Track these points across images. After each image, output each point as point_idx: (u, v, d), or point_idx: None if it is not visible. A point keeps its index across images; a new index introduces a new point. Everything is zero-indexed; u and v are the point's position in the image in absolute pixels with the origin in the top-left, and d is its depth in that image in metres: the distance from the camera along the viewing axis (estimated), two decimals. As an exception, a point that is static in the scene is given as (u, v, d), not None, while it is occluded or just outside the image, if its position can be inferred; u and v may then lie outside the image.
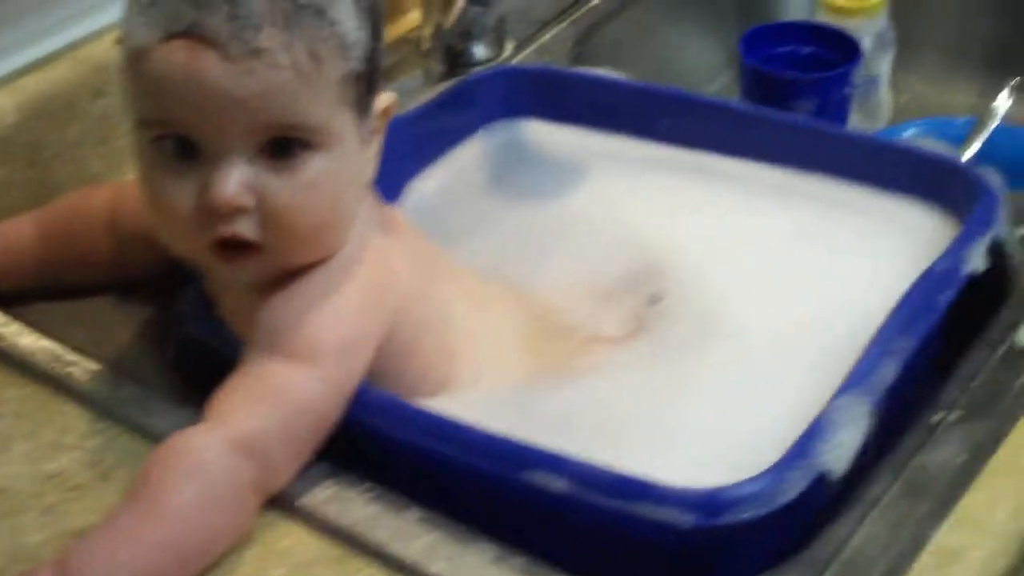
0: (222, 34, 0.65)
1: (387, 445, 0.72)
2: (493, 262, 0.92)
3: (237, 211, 0.68)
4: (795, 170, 0.93)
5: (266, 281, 0.72)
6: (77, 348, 0.83)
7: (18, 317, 0.85)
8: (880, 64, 1.20)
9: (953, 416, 0.74)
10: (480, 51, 1.10)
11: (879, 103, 1.22)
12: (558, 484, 0.67)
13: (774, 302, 0.85)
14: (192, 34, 0.65)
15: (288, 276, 0.73)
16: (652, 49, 1.22)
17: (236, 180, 0.67)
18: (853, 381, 0.70)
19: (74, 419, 0.79)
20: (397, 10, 1.13)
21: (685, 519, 0.64)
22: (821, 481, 0.67)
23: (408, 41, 1.13)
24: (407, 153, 0.96)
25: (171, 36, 0.66)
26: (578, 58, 1.13)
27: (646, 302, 0.88)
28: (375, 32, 0.72)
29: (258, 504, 0.69)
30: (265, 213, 0.69)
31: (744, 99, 1.10)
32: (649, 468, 0.69)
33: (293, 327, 0.70)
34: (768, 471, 0.66)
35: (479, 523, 0.69)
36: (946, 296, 0.75)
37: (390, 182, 0.94)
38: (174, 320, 0.83)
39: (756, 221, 0.92)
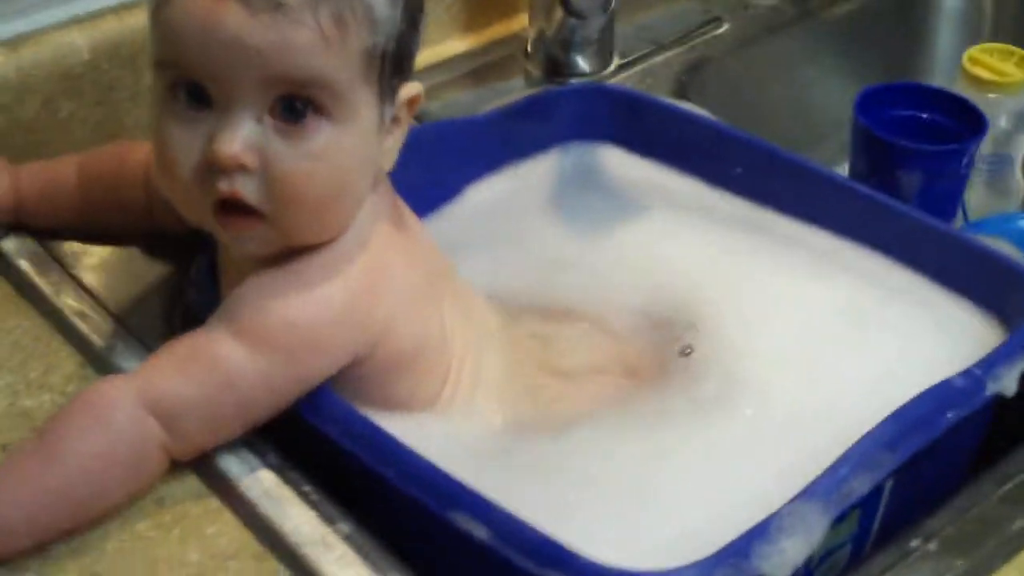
0: None
1: (336, 453, 0.70)
2: (525, 282, 0.89)
3: (239, 168, 0.66)
4: (858, 243, 0.88)
5: (264, 259, 0.71)
6: (93, 293, 0.84)
7: (50, 251, 0.87)
8: (1017, 144, 1.13)
9: (932, 545, 0.68)
10: (582, 63, 1.07)
11: (1012, 185, 1.14)
12: (479, 531, 0.64)
13: (801, 378, 0.81)
14: None
15: (283, 258, 0.71)
16: (771, 91, 1.17)
17: (242, 135, 0.66)
18: (815, 489, 0.65)
19: (64, 360, 0.79)
20: (510, 7, 1.10)
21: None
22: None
23: (518, 40, 1.10)
24: (474, 155, 0.95)
25: None
26: (682, 87, 1.08)
27: (676, 351, 0.85)
28: (410, 17, 0.70)
29: (163, 465, 0.69)
30: (269, 178, 0.67)
31: (852, 160, 1.05)
32: (611, 534, 0.68)
33: (257, 308, 0.69)
34: (696, 564, 0.62)
35: (409, 544, 0.67)
36: (954, 415, 0.70)
37: (450, 180, 0.94)
38: (183, 285, 0.83)
39: (805, 289, 0.87)
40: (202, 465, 0.72)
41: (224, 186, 0.67)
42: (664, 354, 0.85)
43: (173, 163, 0.68)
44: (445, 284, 0.79)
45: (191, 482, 0.72)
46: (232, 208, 0.68)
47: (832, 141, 1.17)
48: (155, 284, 0.86)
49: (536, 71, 1.08)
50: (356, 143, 0.69)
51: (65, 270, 0.86)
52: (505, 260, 0.91)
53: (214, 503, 0.71)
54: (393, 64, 0.70)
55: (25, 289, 0.84)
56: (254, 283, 0.70)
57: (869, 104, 1.05)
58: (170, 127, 0.68)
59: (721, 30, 1.15)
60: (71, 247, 0.87)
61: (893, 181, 1.01)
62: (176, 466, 0.72)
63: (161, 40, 0.68)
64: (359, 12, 0.66)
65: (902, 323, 0.83)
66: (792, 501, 0.64)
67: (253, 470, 0.72)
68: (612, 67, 1.09)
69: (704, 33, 1.14)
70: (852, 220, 0.88)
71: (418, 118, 1.00)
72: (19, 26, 0.92)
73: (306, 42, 0.65)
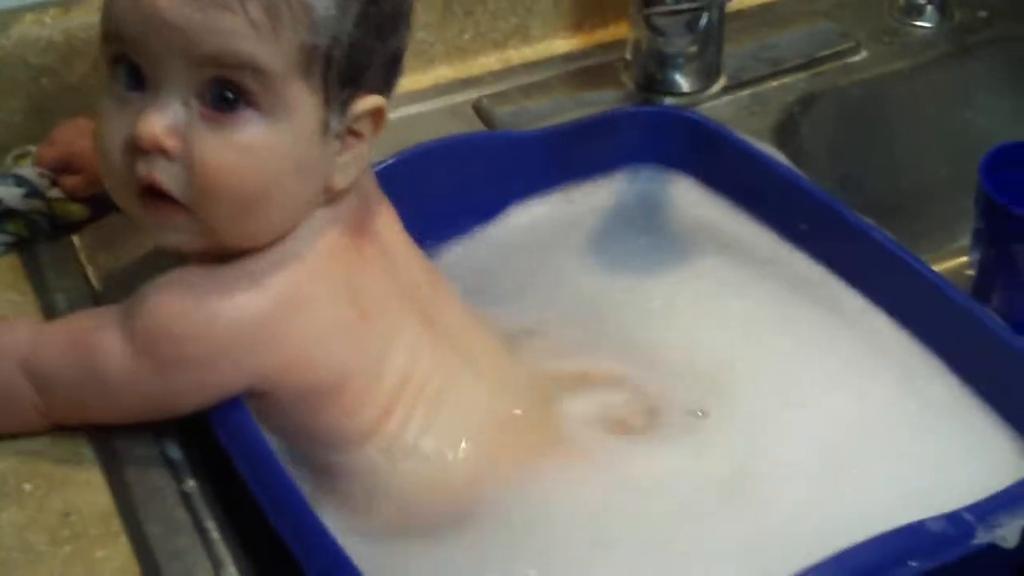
0: None
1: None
2: (550, 319, 0.83)
3: (159, 151, 0.64)
4: (911, 333, 0.77)
5: (191, 255, 0.69)
6: (94, 260, 0.83)
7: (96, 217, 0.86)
8: None
9: None
10: (679, 80, 0.98)
11: None
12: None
13: (811, 474, 0.72)
14: None
15: (209, 259, 0.68)
16: (902, 132, 1.04)
17: (166, 118, 0.64)
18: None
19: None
20: (624, 10, 1.01)
21: None
22: None
23: (622, 48, 1.02)
24: (523, 174, 0.88)
25: None
26: (792, 120, 0.98)
27: (684, 411, 0.77)
28: (371, 28, 0.67)
29: (39, 422, 0.70)
30: (190, 166, 0.64)
31: (976, 226, 0.92)
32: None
33: (151, 312, 0.67)
34: None
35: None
36: (921, 564, 0.59)
37: (491, 198, 0.87)
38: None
39: (844, 373, 0.78)
40: (118, 484, 0.69)
41: (142, 169, 0.65)
42: (675, 412, 0.77)
43: (103, 143, 0.67)
44: (416, 310, 0.73)
45: (103, 500, 0.69)
46: (156, 195, 0.66)
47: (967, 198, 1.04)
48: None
49: (631, 84, 0.99)
50: (290, 143, 0.66)
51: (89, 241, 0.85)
52: (535, 292, 0.85)
53: (115, 525, 0.68)
54: (342, 70, 0.66)
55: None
56: (164, 281, 0.68)
57: (1002, 163, 0.92)
58: (106, 107, 0.67)
59: (856, 58, 1.03)
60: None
61: (1008, 257, 0.89)
62: (94, 482, 0.69)
63: (105, 13, 0.66)
64: (295, 7, 0.64)
65: (939, 435, 0.73)
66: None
67: (164, 500, 0.68)
68: (715, 89, 0.99)
69: (834, 59, 1.03)
70: (911, 306, 0.78)
71: (485, 120, 0.95)
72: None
73: (232, 26, 0.63)
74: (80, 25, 0.90)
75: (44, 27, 0.90)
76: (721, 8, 0.95)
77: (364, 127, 0.69)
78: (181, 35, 0.63)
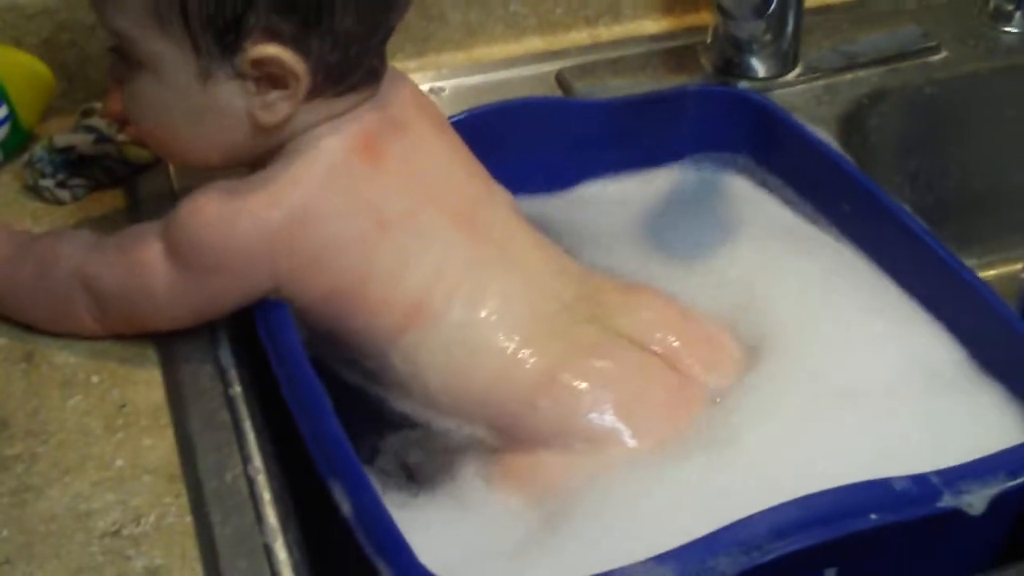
0: None
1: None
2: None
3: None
4: (935, 315, 0.80)
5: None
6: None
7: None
8: None
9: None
10: (756, 65, 1.02)
11: None
12: (345, 507, 0.65)
13: (806, 454, 0.75)
14: None
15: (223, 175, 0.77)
16: (971, 136, 1.06)
17: (112, 70, 0.77)
18: (673, 554, 0.61)
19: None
20: None
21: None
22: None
23: (705, 33, 1.06)
24: (594, 139, 0.93)
25: None
26: (860, 111, 1.01)
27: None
28: None
29: (93, 326, 0.78)
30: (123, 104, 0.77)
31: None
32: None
33: (182, 223, 0.74)
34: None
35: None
36: (881, 518, 0.63)
37: (567, 167, 0.94)
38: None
39: (871, 348, 0.80)
40: (172, 383, 0.77)
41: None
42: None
43: None
44: (453, 216, 0.78)
45: (157, 397, 0.76)
46: None
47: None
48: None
49: (709, 67, 1.03)
50: (163, 87, 0.74)
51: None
52: (595, 249, 0.89)
53: (164, 419, 0.75)
54: (205, 21, 0.71)
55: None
56: (194, 197, 0.75)
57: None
58: None
59: (936, 57, 1.06)
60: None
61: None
62: (151, 381, 0.77)
63: None
64: None
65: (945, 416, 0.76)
66: (646, 561, 0.61)
67: (210, 401, 0.75)
68: (790, 76, 1.03)
69: (912, 58, 1.05)
70: (935, 291, 0.81)
71: (565, 90, 1.00)
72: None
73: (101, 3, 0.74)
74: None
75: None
76: (796, -3, 0.99)
77: (277, 71, 0.73)
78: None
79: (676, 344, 0.80)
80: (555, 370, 0.76)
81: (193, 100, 0.74)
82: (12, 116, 0.92)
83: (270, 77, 0.73)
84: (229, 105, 0.74)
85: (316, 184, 0.75)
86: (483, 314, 0.77)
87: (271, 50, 0.72)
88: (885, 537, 0.65)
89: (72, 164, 0.92)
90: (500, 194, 0.83)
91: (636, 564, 0.61)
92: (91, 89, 0.98)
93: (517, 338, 0.77)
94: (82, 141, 0.93)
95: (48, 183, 0.91)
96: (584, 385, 0.76)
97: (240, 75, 0.73)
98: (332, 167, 0.75)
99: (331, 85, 0.75)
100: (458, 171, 0.81)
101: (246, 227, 0.74)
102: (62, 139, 0.93)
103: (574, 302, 0.80)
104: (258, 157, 0.76)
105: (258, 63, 0.72)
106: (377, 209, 0.76)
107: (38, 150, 0.93)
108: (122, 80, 0.76)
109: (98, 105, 0.95)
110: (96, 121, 0.94)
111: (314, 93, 0.74)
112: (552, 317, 0.79)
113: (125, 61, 0.75)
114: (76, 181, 0.92)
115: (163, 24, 0.72)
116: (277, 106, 0.74)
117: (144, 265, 0.75)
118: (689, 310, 0.83)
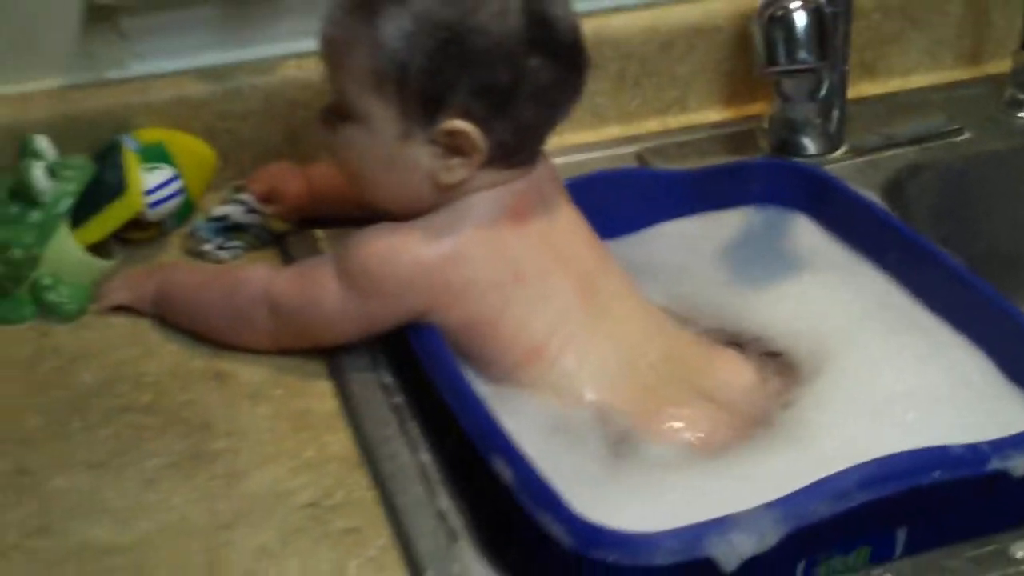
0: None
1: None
2: (681, 300, 1.04)
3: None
4: (969, 338, 0.96)
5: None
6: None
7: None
8: None
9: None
10: (808, 144, 1.19)
11: None
12: (506, 474, 0.80)
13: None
14: None
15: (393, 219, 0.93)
16: (999, 201, 1.23)
17: (323, 115, 0.94)
18: (777, 503, 0.76)
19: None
20: (768, 90, 1.23)
21: (565, 540, 0.75)
22: (704, 566, 0.74)
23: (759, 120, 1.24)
24: (675, 199, 1.10)
25: None
26: (899, 184, 1.17)
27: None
28: (440, 58, 0.88)
29: (268, 340, 0.95)
30: (330, 147, 0.96)
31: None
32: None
33: (353, 253, 0.91)
34: (655, 532, 0.74)
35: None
36: (942, 475, 0.78)
37: (645, 215, 1.10)
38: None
39: (916, 365, 0.95)
40: (343, 395, 0.92)
41: None
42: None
43: None
44: (574, 279, 0.94)
45: (331, 405, 0.92)
46: None
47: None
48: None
49: (767, 147, 1.20)
50: (369, 141, 0.91)
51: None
52: (669, 283, 1.05)
53: (340, 422, 0.90)
54: (414, 91, 0.88)
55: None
56: (365, 233, 0.92)
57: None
58: None
59: (961, 138, 1.23)
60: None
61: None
62: (325, 393, 0.93)
63: None
64: (366, 40, 0.88)
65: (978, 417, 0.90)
66: (754, 508, 0.76)
67: (378, 408, 0.91)
68: (838, 153, 1.20)
69: (940, 138, 1.22)
70: (973, 318, 0.96)
71: (641, 163, 1.18)
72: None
73: (330, 53, 0.92)
74: (330, 71, 1.15)
75: (302, 71, 1.15)
76: (842, 82, 1.16)
77: (461, 143, 0.89)
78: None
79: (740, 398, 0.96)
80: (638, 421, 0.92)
81: (390, 153, 0.90)
82: (184, 190, 1.09)
83: (455, 146, 0.89)
84: (417, 163, 0.90)
85: (468, 235, 0.91)
86: (587, 367, 0.92)
87: (462, 125, 0.89)
88: (946, 497, 0.80)
89: (227, 230, 1.09)
90: (610, 263, 0.99)
91: (750, 509, 0.75)
92: (240, 168, 1.16)
93: (611, 391, 0.92)
94: (234, 211, 1.10)
95: (210, 248, 1.08)
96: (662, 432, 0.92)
97: (432, 141, 0.89)
98: (484, 224, 0.91)
99: (501, 160, 0.91)
100: (581, 242, 0.97)
101: (407, 260, 0.90)
102: (218, 209, 1.11)
103: (661, 362, 0.95)
104: (428, 209, 0.92)
105: (449, 134, 0.89)
106: (516, 263, 0.92)
107: (198, 222, 1.10)
108: (333, 130, 0.93)
109: (245, 184, 1.12)
110: (245, 196, 1.11)
111: (486, 164, 0.91)
112: (644, 373, 0.94)
113: (338, 115, 0.92)
114: (233, 243, 1.09)
115: (381, 90, 0.88)
116: (455, 171, 0.90)
117: (319, 285, 0.92)
118: (757, 369, 0.99)
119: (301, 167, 1.12)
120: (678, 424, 0.92)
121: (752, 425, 0.93)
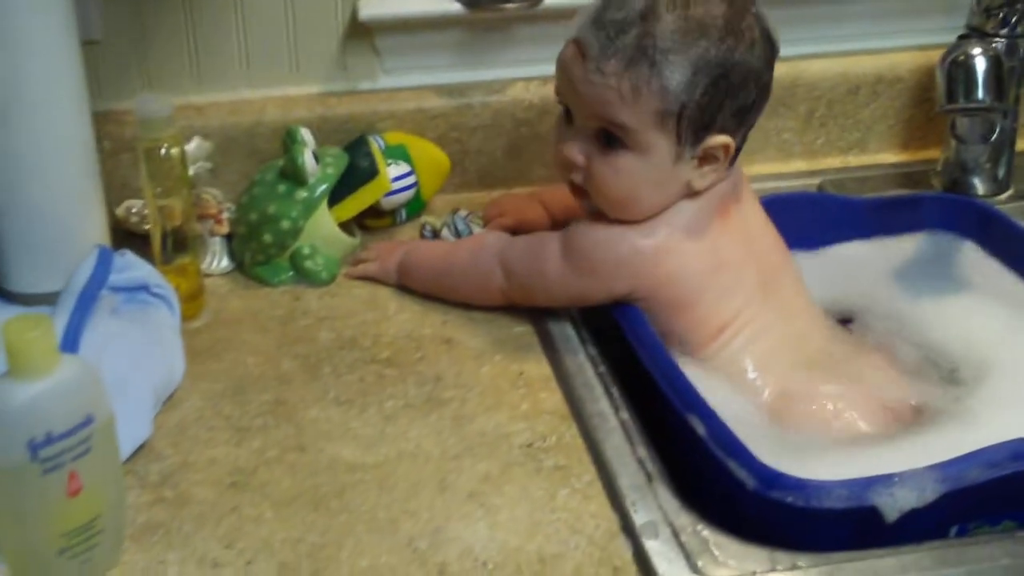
0: (592, 50, 1.00)
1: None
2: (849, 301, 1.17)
3: (573, 165, 1.04)
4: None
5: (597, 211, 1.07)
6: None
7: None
8: None
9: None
10: (978, 185, 1.31)
11: None
12: (700, 428, 0.93)
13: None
14: (579, 41, 1.00)
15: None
16: None
17: (576, 145, 1.04)
18: (938, 465, 0.87)
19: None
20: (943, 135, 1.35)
21: (749, 482, 0.88)
22: (870, 514, 0.86)
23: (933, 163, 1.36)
24: (854, 222, 1.23)
25: (574, 38, 1.02)
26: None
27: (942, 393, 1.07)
28: (712, 93, 1.00)
29: (501, 296, 1.11)
30: (588, 173, 1.04)
31: None
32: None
33: (578, 235, 1.05)
34: (828, 480, 0.87)
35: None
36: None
37: (827, 234, 1.22)
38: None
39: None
40: (555, 363, 1.07)
41: (566, 175, 1.06)
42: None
43: (554, 153, 1.07)
44: (759, 272, 1.07)
45: (545, 370, 1.06)
46: (574, 186, 1.06)
47: None
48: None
49: (939, 186, 1.32)
50: (648, 168, 1.02)
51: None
52: (846, 295, 1.18)
53: (552, 383, 1.05)
54: (691, 122, 1.00)
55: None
56: (589, 220, 1.06)
57: None
58: (556, 133, 1.07)
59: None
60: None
61: None
62: (540, 360, 1.07)
63: (557, 75, 1.06)
64: (653, 86, 0.99)
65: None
66: (917, 468, 0.87)
67: (585, 374, 1.05)
68: (1004, 196, 1.31)
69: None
70: None
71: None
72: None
73: (610, 98, 1.00)
74: (551, 92, 1.28)
75: (528, 92, 1.31)
76: (1013, 130, 1.28)
77: (719, 153, 1.03)
78: (583, 99, 1.02)
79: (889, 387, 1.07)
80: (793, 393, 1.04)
81: (663, 174, 1.03)
82: (417, 187, 1.25)
83: (710, 156, 1.03)
84: (681, 176, 1.04)
85: (682, 228, 1.05)
86: (757, 351, 1.06)
87: (724, 140, 1.03)
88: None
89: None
90: (790, 262, 1.12)
91: (913, 469, 0.87)
92: (465, 176, 1.33)
93: (777, 369, 1.05)
94: (445, 233, 1.25)
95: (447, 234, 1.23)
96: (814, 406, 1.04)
97: (695, 156, 1.03)
98: (694, 220, 1.05)
99: (731, 163, 1.06)
100: (768, 240, 1.11)
101: (624, 248, 1.04)
102: (437, 221, 1.25)
103: (820, 352, 1.08)
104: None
105: (711, 148, 1.02)
106: (717, 255, 1.06)
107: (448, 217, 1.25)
108: (590, 156, 1.03)
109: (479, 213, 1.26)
110: (460, 222, 1.24)
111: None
112: (806, 358, 1.07)
113: (607, 143, 1.02)
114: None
115: (663, 125, 1.01)
116: (708, 176, 1.04)
117: (543, 259, 1.07)
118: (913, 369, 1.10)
119: (530, 194, 1.27)
120: (834, 405, 1.04)
121: (907, 414, 1.04)
